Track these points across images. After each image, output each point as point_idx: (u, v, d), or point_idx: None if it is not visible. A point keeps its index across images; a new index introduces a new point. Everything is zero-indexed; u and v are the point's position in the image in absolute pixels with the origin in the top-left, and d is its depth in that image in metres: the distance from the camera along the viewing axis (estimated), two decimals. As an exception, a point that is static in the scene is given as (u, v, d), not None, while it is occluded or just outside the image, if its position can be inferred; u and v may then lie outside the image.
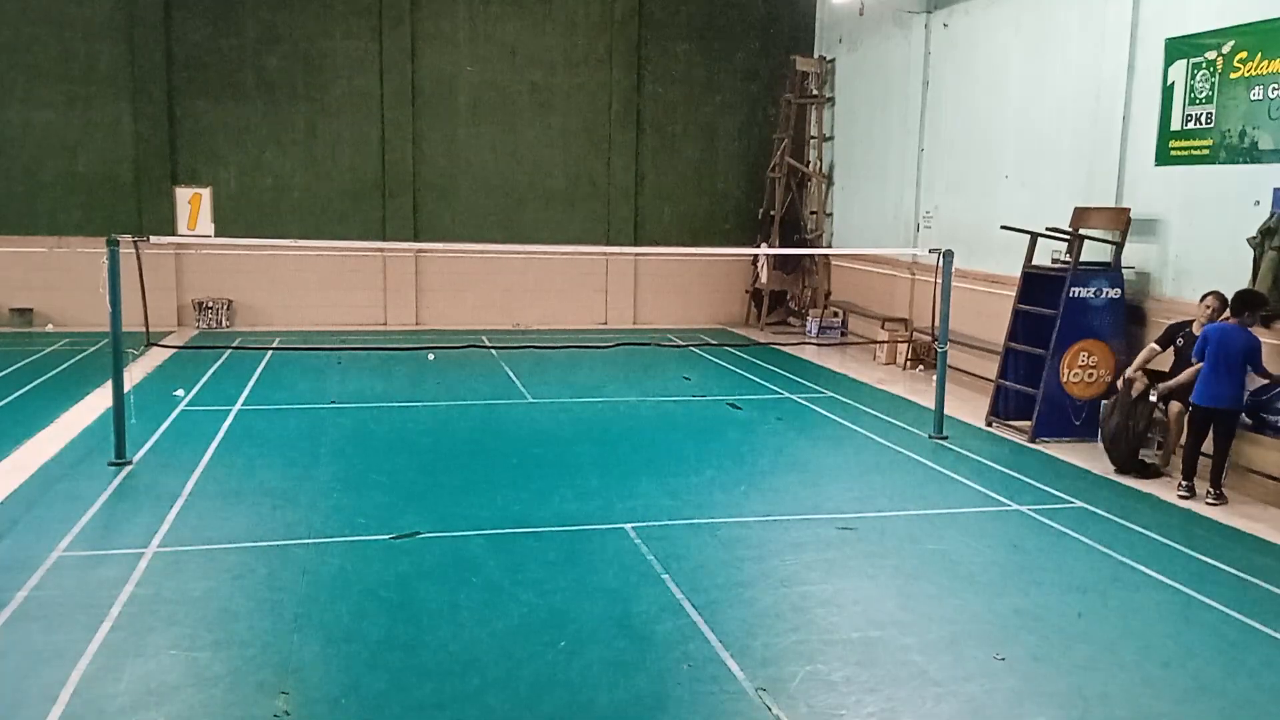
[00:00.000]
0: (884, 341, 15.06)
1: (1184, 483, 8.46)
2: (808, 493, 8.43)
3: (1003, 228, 11.34)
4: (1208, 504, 8.22)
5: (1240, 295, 8.39)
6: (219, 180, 17.24)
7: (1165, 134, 10.08)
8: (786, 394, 12.53)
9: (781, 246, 17.91)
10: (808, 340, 17.05)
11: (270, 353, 14.30)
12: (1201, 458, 8.56)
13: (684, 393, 12.56)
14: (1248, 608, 6.12)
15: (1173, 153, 10.01)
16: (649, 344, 14.71)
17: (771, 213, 18.58)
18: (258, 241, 16.68)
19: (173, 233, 16.78)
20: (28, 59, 16.39)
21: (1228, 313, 8.47)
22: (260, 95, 17.22)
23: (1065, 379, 10.37)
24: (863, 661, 5.29)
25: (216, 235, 16.92)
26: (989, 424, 11.01)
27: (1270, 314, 8.73)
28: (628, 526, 7.34)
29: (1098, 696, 4.98)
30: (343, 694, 4.84)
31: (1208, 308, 8.96)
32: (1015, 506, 8.12)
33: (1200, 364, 8.39)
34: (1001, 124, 13.00)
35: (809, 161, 18.40)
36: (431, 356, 14.24)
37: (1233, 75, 9.28)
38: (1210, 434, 8.42)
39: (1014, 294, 11.18)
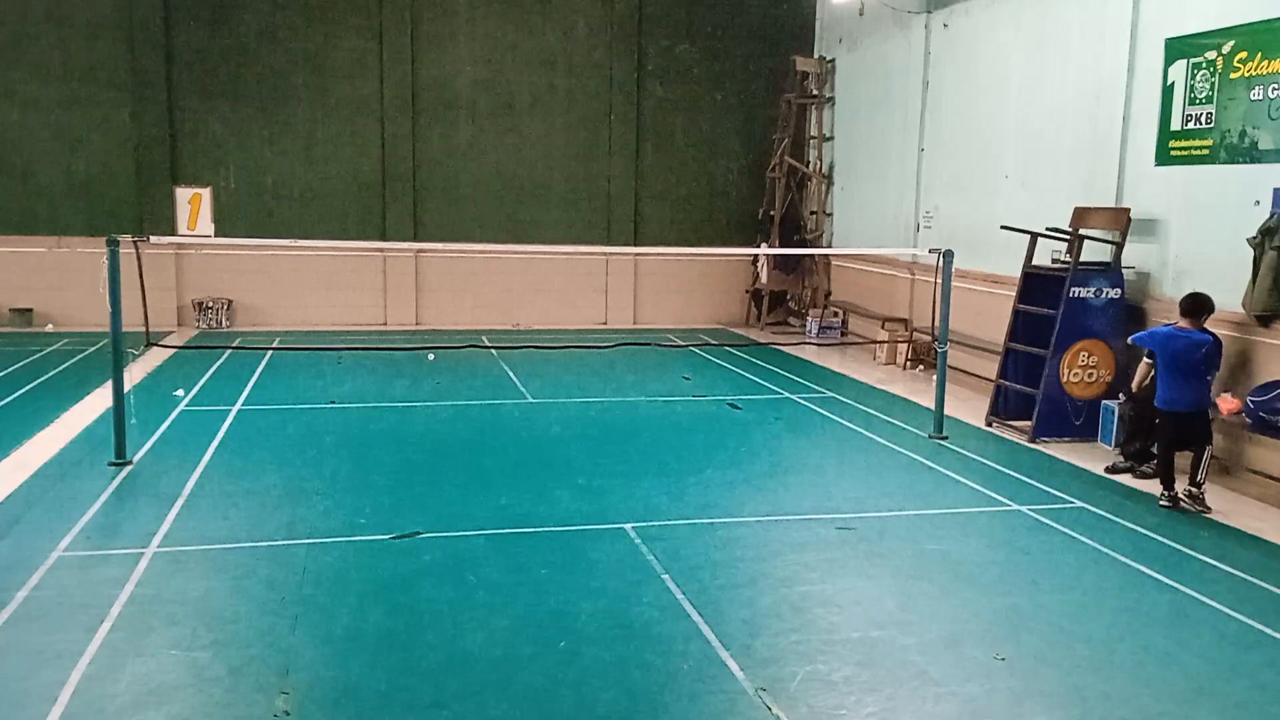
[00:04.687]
0: (884, 341, 15.06)
1: (1165, 493, 8.18)
2: (807, 493, 8.43)
3: (1003, 228, 11.35)
4: (1183, 505, 7.98)
5: (1196, 298, 8.26)
6: (219, 180, 17.24)
7: (1165, 134, 10.08)
8: (786, 394, 12.53)
9: (781, 246, 17.91)
10: (808, 340, 17.04)
11: (270, 353, 14.29)
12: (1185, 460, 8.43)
13: (684, 393, 12.55)
14: (1248, 608, 6.12)
15: (1173, 153, 10.00)
16: (649, 344, 14.70)
17: (771, 213, 18.58)
18: (258, 241, 16.70)
19: (173, 233, 16.79)
20: (28, 59, 16.39)
21: (1181, 318, 8.27)
22: (260, 95, 17.22)
23: (1065, 379, 10.37)
24: (863, 661, 5.29)
25: (216, 235, 16.92)
26: (989, 424, 11.01)
27: (1270, 314, 8.73)
28: (628, 526, 7.34)
29: (1098, 696, 4.98)
30: (343, 694, 4.85)
31: None
32: (1015, 506, 8.12)
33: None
34: (1001, 124, 13.00)
35: (809, 161, 18.40)
36: (431, 356, 14.24)
37: (1233, 75, 9.27)
38: (1181, 439, 8.20)
39: (1014, 294, 11.19)
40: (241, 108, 17.18)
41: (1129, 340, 9.01)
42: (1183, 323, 8.22)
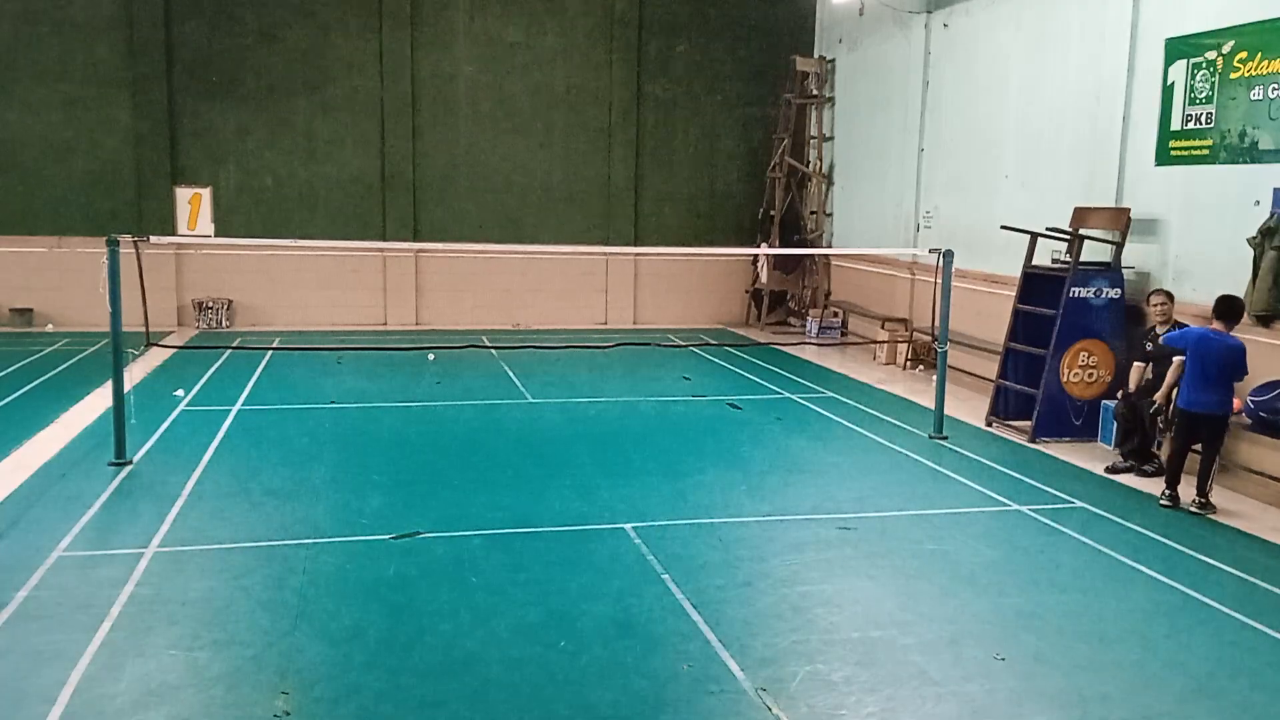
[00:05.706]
0: (884, 341, 15.06)
1: (1167, 491, 8.16)
2: (808, 493, 8.43)
3: (1003, 228, 11.35)
4: (1192, 512, 7.97)
5: (1229, 301, 8.17)
6: (219, 180, 17.24)
7: (1165, 134, 10.08)
8: (786, 394, 12.53)
9: (781, 246, 17.91)
10: (808, 340, 17.04)
11: (270, 353, 14.29)
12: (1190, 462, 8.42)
13: (684, 393, 12.55)
14: (1248, 608, 6.12)
15: (1173, 153, 10.01)
16: (649, 344, 14.71)
17: (771, 213, 18.58)
18: (258, 241, 16.72)
19: (173, 233, 16.78)
20: (28, 59, 16.38)
21: (1215, 320, 8.16)
22: (260, 95, 17.22)
23: (1065, 379, 10.38)
24: (863, 661, 5.29)
25: (216, 235, 16.92)
26: (989, 424, 11.01)
27: (1270, 314, 8.73)
28: (628, 526, 7.34)
29: (1098, 696, 4.98)
30: (343, 694, 4.85)
31: (1158, 305, 9.03)
32: (1015, 506, 8.12)
33: (1181, 358, 8.25)
34: (1001, 124, 13.00)
35: (809, 161, 18.40)
36: (432, 356, 14.24)
37: (1233, 75, 9.28)
38: (1199, 440, 8.17)
39: (1014, 294, 11.19)
40: (241, 108, 17.18)
41: (1161, 341, 8.84)
42: (1217, 325, 8.10)
